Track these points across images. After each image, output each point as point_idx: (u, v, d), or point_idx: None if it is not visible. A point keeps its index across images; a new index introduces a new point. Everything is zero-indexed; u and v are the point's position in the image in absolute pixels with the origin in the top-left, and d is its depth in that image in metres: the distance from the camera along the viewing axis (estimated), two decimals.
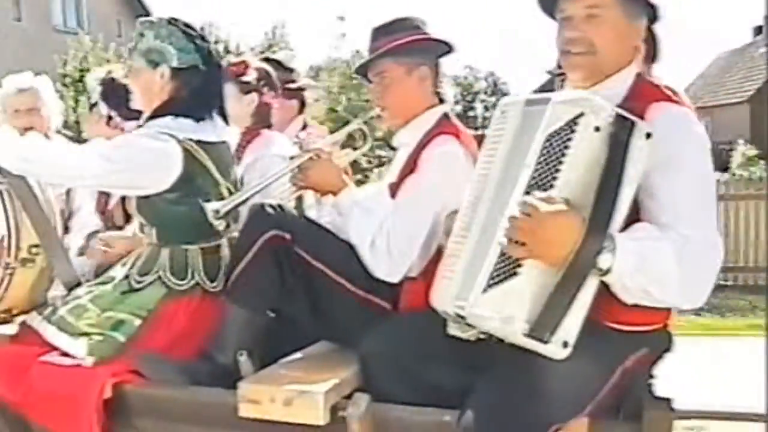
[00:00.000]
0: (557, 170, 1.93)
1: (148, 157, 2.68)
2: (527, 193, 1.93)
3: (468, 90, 43.41)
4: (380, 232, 2.58)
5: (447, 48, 2.86)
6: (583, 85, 2.19)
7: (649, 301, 1.99)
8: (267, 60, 3.75)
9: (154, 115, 2.79)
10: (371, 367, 2.38)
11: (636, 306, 2.01)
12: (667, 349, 2.24)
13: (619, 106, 2.01)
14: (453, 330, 2.17)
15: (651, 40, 2.25)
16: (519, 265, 1.93)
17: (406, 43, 2.74)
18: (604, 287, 1.96)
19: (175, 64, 2.77)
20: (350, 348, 2.52)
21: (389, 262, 2.57)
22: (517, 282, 1.93)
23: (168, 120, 2.75)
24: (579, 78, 2.20)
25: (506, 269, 1.94)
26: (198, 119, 2.78)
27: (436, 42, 2.83)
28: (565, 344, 1.92)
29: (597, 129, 1.92)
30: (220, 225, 2.62)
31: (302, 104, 4.05)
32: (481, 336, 2.10)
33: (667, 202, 1.99)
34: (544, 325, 1.91)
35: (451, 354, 2.21)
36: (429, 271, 2.41)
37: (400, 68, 2.75)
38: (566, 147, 1.93)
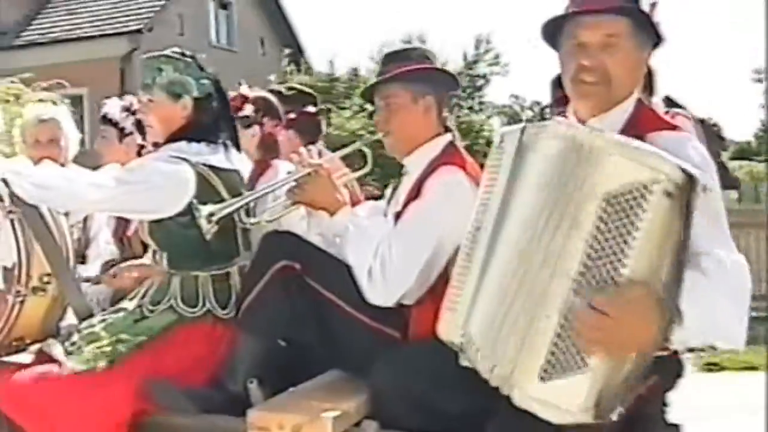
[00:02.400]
0: (626, 242, 1.74)
1: (161, 180, 2.72)
2: (587, 264, 1.77)
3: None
4: (375, 257, 2.57)
5: (454, 82, 2.89)
6: (589, 114, 2.17)
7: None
8: (271, 91, 3.77)
9: (169, 141, 2.85)
10: (380, 395, 2.38)
11: None
12: (679, 376, 2.21)
13: (619, 133, 1.99)
14: (464, 360, 2.13)
15: (648, 73, 2.24)
16: (587, 361, 1.78)
17: (414, 71, 2.75)
18: None
19: (195, 94, 2.85)
20: (360, 376, 2.52)
21: (383, 288, 2.56)
22: (582, 377, 1.78)
23: (182, 144, 2.81)
24: (587, 107, 2.18)
25: (570, 363, 1.79)
26: (210, 144, 2.84)
27: (443, 73, 2.85)
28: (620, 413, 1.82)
29: (669, 194, 1.73)
30: (210, 230, 2.59)
31: (315, 133, 4.06)
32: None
33: (696, 233, 1.83)
34: (609, 409, 1.80)
35: (461, 382, 2.18)
36: (436, 298, 2.37)
37: (407, 95, 2.75)
38: (637, 213, 1.73)
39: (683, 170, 1.73)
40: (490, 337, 1.99)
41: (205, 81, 2.88)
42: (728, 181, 3.34)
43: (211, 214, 2.57)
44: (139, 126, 3.74)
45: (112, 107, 3.89)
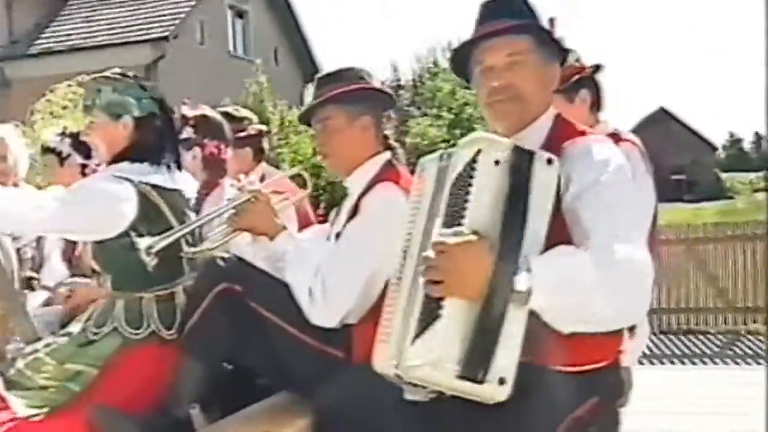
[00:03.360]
0: (464, 209, 1.94)
1: (102, 199, 2.69)
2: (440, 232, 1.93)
3: None
4: (316, 278, 2.55)
5: (390, 100, 2.88)
6: (507, 134, 2.18)
7: (581, 325, 1.93)
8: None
9: (113, 161, 2.83)
10: (325, 418, 2.34)
11: (578, 341, 1.96)
12: (621, 393, 2.18)
13: (541, 147, 2.05)
14: (409, 395, 2.11)
15: (595, 89, 2.27)
16: (440, 307, 1.88)
17: (348, 92, 2.74)
18: (541, 328, 1.90)
19: (136, 113, 2.83)
20: (306, 399, 2.48)
21: (325, 308, 2.54)
22: (441, 324, 1.88)
23: (125, 164, 2.79)
24: (505, 127, 2.21)
25: (430, 314, 1.90)
26: (153, 164, 2.81)
27: (379, 92, 2.83)
28: (502, 381, 1.85)
29: (497, 162, 1.95)
30: (151, 262, 2.57)
31: (258, 151, 4.05)
32: (432, 395, 2.05)
33: (588, 225, 1.98)
34: (474, 362, 1.85)
35: (406, 405, 2.16)
36: (378, 316, 2.36)
37: (342, 116, 2.74)
38: (470, 185, 1.95)
39: (514, 145, 1.98)
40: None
41: (146, 100, 2.85)
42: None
43: (150, 247, 2.54)
44: (78, 146, 3.73)
45: (47, 135, 3.92)
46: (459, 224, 1.92)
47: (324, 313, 2.54)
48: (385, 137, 2.84)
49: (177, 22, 19.82)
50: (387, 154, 2.80)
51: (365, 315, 2.58)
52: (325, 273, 2.55)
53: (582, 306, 1.88)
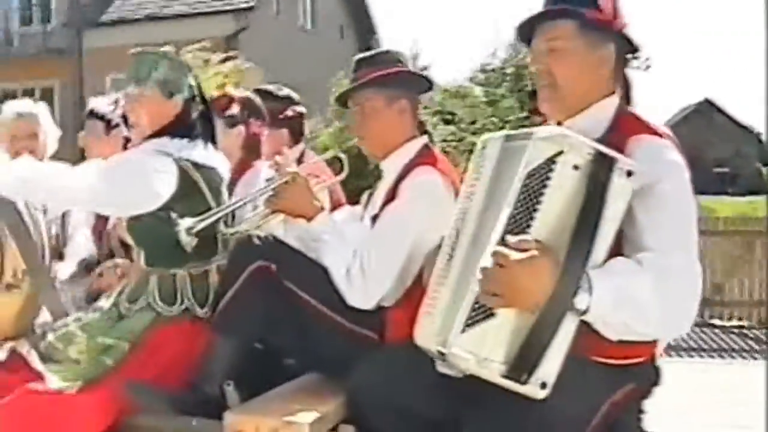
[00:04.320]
0: (535, 210, 1.89)
1: (143, 173, 2.69)
2: (506, 234, 1.89)
3: None
4: (354, 260, 2.57)
5: (428, 84, 2.90)
6: (557, 119, 2.20)
7: (631, 336, 1.96)
8: (258, 91, 3.74)
9: (152, 136, 2.82)
10: (358, 399, 2.36)
11: (621, 340, 1.99)
12: (655, 383, 2.21)
13: (599, 139, 2.01)
14: (441, 367, 2.16)
15: (625, 84, 2.27)
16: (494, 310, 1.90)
17: (387, 75, 2.76)
18: (587, 324, 1.93)
19: (186, 94, 2.85)
20: (337, 379, 2.50)
21: (363, 290, 2.56)
22: (493, 323, 1.89)
23: (165, 139, 2.79)
24: (550, 112, 2.22)
25: (483, 310, 1.90)
26: (192, 140, 2.82)
27: (416, 76, 2.86)
28: (544, 385, 1.88)
29: (576, 167, 1.88)
30: (191, 242, 2.58)
31: (298, 133, 4.04)
32: (468, 372, 2.08)
33: (646, 230, 1.98)
34: (521, 366, 1.87)
35: (438, 385, 2.19)
36: (413, 300, 2.39)
37: (380, 99, 2.76)
38: (544, 186, 1.89)
39: (597, 150, 1.89)
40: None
41: (192, 83, 2.88)
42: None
43: (191, 228, 2.55)
44: (125, 119, 3.70)
45: (98, 102, 3.87)
46: (527, 226, 1.88)
47: (362, 295, 2.56)
48: (421, 122, 2.86)
49: None
50: (424, 138, 2.82)
51: (400, 298, 2.60)
52: (363, 255, 2.56)
53: (636, 322, 1.91)
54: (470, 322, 1.92)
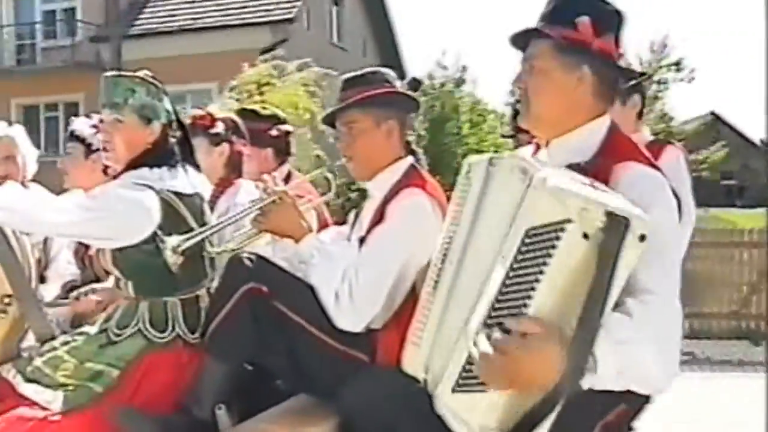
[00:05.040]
0: (536, 278, 1.73)
1: (125, 207, 2.67)
2: (501, 294, 1.78)
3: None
4: (342, 282, 2.57)
5: (414, 103, 2.90)
6: (543, 139, 2.20)
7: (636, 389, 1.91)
8: (243, 110, 3.76)
9: (130, 166, 2.80)
10: (350, 420, 2.35)
11: None
12: (647, 401, 2.24)
13: (586, 163, 2.00)
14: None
15: (642, 97, 2.26)
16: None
17: (375, 95, 2.76)
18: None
19: (163, 120, 2.82)
20: (329, 401, 2.49)
21: (352, 312, 2.56)
22: (486, 397, 1.81)
23: (144, 171, 2.76)
24: (531, 131, 2.24)
25: (475, 382, 1.82)
26: (171, 168, 2.81)
27: (404, 96, 2.86)
28: None
29: (585, 236, 1.70)
30: (176, 261, 2.59)
31: (283, 152, 4.05)
32: None
33: (641, 276, 1.85)
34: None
35: (430, 407, 2.19)
36: (402, 321, 2.41)
37: (368, 120, 2.77)
38: (549, 252, 1.72)
39: (609, 213, 1.70)
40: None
41: (169, 107, 2.86)
42: None
43: (177, 246, 2.55)
44: None
45: (81, 124, 3.82)
46: (527, 296, 1.73)
47: (350, 318, 2.57)
48: (407, 142, 2.87)
49: (298, 4, 19.09)
50: (410, 159, 2.83)
51: (389, 320, 2.61)
52: (352, 278, 2.56)
53: (634, 387, 1.87)
54: (461, 387, 1.87)
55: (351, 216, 2.99)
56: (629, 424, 2.31)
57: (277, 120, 4.04)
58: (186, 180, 2.85)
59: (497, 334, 1.73)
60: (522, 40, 2.23)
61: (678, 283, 1.96)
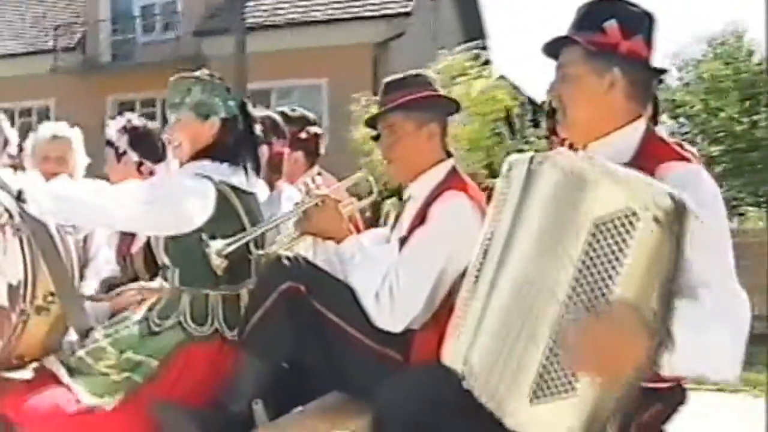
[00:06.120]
0: (614, 268, 1.74)
1: (183, 195, 2.75)
2: (575, 293, 1.80)
3: None
4: (383, 283, 2.61)
5: (456, 106, 2.95)
6: (580, 144, 2.23)
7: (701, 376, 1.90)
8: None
9: (193, 158, 2.90)
10: (384, 418, 2.38)
11: None
12: (681, 403, 2.25)
13: (626, 164, 2.01)
14: (467, 385, 2.18)
15: (655, 102, 2.28)
16: (575, 380, 1.78)
17: (417, 99, 2.81)
18: None
19: (223, 115, 2.91)
20: (362, 400, 2.54)
21: (391, 313, 2.60)
22: (572, 400, 1.78)
23: (206, 163, 2.86)
24: (568, 136, 2.26)
25: (558, 384, 1.81)
26: (233, 165, 2.89)
27: (445, 99, 2.91)
28: None
29: (656, 220, 1.71)
30: (221, 265, 2.66)
31: (314, 154, 4.10)
32: None
33: (697, 266, 1.84)
34: (596, 429, 1.78)
35: (465, 406, 2.22)
36: (440, 322, 2.44)
37: (410, 123, 2.82)
38: (624, 240, 1.73)
39: (672, 197, 1.73)
40: (489, 365, 2.05)
41: (232, 103, 2.95)
42: None
43: (221, 250, 2.63)
44: (135, 143, 3.74)
45: (112, 128, 3.89)
46: (606, 286, 1.75)
47: (391, 319, 2.60)
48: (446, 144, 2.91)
49: None
50: (452, 161, 2.88)
51: (427, 321, 2.65)
52: (393, 279, 2.60)
53: (713, 368, 1.84)
54: (541, 394, 1.84)
55: (391, 218, 3.02)
56: (662, 427, 2.31)
57: (306, 122, 4.08)
58: (245, 178, 2.92)
59: (584, 316, 1.74)
60: (554, 48, 2.28)
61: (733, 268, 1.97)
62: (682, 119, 14.92)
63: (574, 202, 1.86)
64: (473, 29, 23.14)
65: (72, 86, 19.33)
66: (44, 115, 19.47)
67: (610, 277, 1.74)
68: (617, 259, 1.73)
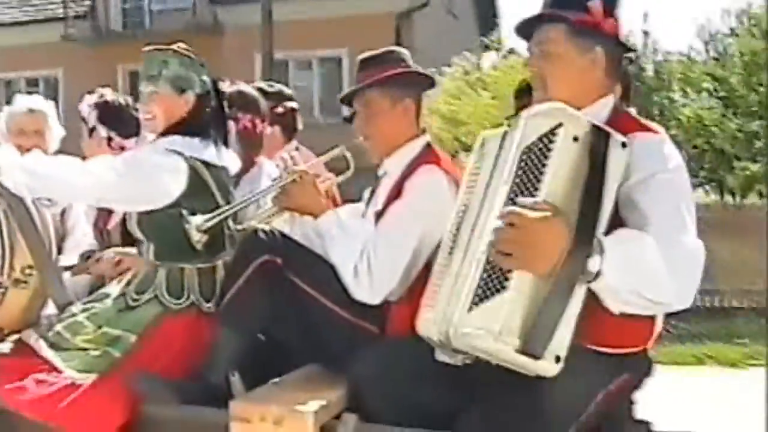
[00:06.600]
0: (538, 181, 1.96)
1: (154, 171, 2.77)
2: (510, 203, 1.96)
3: None
4: (362, 257, 2.64)
5: (430, 82, 2.97)
6: None
7: (639, 305, 2.00)
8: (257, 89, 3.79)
9: (163, 134, 2.91)
10: (360, 389, 2.44)
11: (620, 324, 2.07)
12: (647, 374, 2.31)
13: None
14: (441, 356, 2.24)
15: (624, 83, 2.35)
16: (506, 278, 1.93)
17: (392, 76, 2.84)
18: (587, 307, 1.99)
19: (198, 90, 2.93)
20: (338, 371, 2.59)
21: (370, 286, 2.64)
22: (506, 295, 1.92)
23: (176, 138, 2.87)
24: None
25: (493, 283, 1.94)
26: (204, 140, 2.90)
27: (420, 76, 2.94)
28: (557, 359, 1.93)
29: (575, 139, 1.97)
30: (201, 239, 2.68)
31: (291, 129, 4.10)
32: (468, 361, 2.17)
33: (648, 211, 2.05)
34: (536, 339, 1.91)
35: (438, 376, 2.27)
36: (415, 296, 2.47)
37: (385, 100, 2.85)
38: (546, 157, 1.97)
39: (593, 123, 2.00)
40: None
41: (206, 78, 2.96)
42: None
43: (200, 225, 2.64)
44: (104, 119, 3.69)
45: (83, 103, 3.88)
46: (533, 196, 1.94)
47: (369, 292, 2.64)
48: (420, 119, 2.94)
49: None
50: (426, 137, 2.91)
51: (403, 294, 2.68)
52: (370, 253, 2.64)
53: (647, 288, 1.96)
54: (479, 298, 1.96)
55: (366, 193, 3.05)
56: (631, 396, 2.37)
57: (282, 97, 4.08)
58: (215, 152, 2.94)
59: (511, 207, 1.91)
60: (526, 27, 2.34)
61: (694, 227, 2.09)
62: (718, 93, 14.62)
63: (512, 142, 2.07)
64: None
65: (82, 55, 18.79)
66: (53, 85, 19.21)
67: (536, 188, 1.95)
68: (541, 172, 1.96)
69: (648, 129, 2.23)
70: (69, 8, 19.62)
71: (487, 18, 22.75)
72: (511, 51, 15.09)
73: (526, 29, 2.36)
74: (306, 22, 16.75)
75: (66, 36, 19.27)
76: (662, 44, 16.74)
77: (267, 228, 2.70)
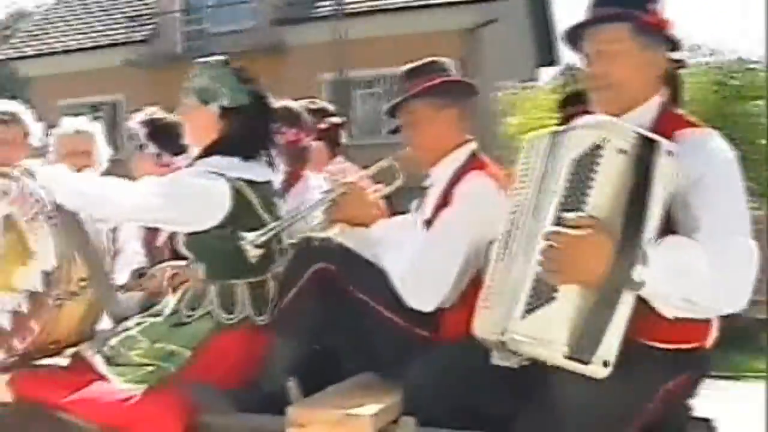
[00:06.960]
0: (585, 194, 2.02)
1: (197, 195, 2.78)
2: (558, 218, 2.02)
3: None
4: (413, 265, 2.65)
5: (473, 90, 3.00)
6: (615, 112, 2.29)
7: (690, 310, 2.04)
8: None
9: (204, 154, 2.92)
10: (415, 395, 2.45)
11: (676, 322, 2.08)
12: (706, 374, 2.29)
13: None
14: (497, 359, 2.24)
15: (674, 83, 2.37)
16: (555, 290, 2.01)
17: (435, 86, 2.86)
18: (644, 306, 2.02)
19: (225, 103, 2.91)
20: (393, 377, 2.60)
21: (422, 294, 2.65)
22: (554, 306, 2.00)
23: (217, 159, 2.87)
24: (603, 113, 2.32)
25: (543, 295, 2.02)
26: (245, 158, 2.90)
27: (463, 84, 2.96)
28: (606, 363, 1.97)
29: (622, 151, 2.02)
30: (255, 254, 2.69)
31: (335, 144, 4.16)
32: (525, 363, 2.17)
33: (697, 213, 2.08)
34: (583, 346, 1.97)
35: (494, 380, 2.28)
36: (468, 301, 2.48)
37: (429, 110, 2.87)
38: (592, 171, 2.02)
39: (637, 133, 2.03)
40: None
41: (240, 91, 2.92)
42: None
43: (254, 241, 2.66)
44: (153, 136, 3.79)
45: (133, 121, 3.95)
46: (579, 210, 2.00)
47: (421, 299, 2.65)
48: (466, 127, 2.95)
49: None
50: (473, 144, 2.93)
51: (456, 299, 2.69)
52: (421, 260, 2.65)
53: (695, 293, 1.99)
54: (530, 308, 2.03)
55: (414, 204, 3.06)
56: (690, 396, 2.35)
57: (325, 113, 4.14)
58: (258, 168, 2.93)
59: (553, 228, 2.00)
60: (576, 32, 2.36)
61: (748, 226, 2.12)
62: None
63: (561, 153, 2.11)
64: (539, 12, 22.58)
65: (143, 80, 18.66)
66: (113, 111, 19.23)
67: (582, 202, 2.02)
68: (588, 186, 2.02)
69: (696, 125, 2.26)
70: (131, 33, 19.90)
71: (543, 37, 22.72)
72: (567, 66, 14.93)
73: (576, 33, 2.37)
74: (370, 41, 16.74)
75: (127, 61, 19.41)
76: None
77: (320, 236, 2.73)
